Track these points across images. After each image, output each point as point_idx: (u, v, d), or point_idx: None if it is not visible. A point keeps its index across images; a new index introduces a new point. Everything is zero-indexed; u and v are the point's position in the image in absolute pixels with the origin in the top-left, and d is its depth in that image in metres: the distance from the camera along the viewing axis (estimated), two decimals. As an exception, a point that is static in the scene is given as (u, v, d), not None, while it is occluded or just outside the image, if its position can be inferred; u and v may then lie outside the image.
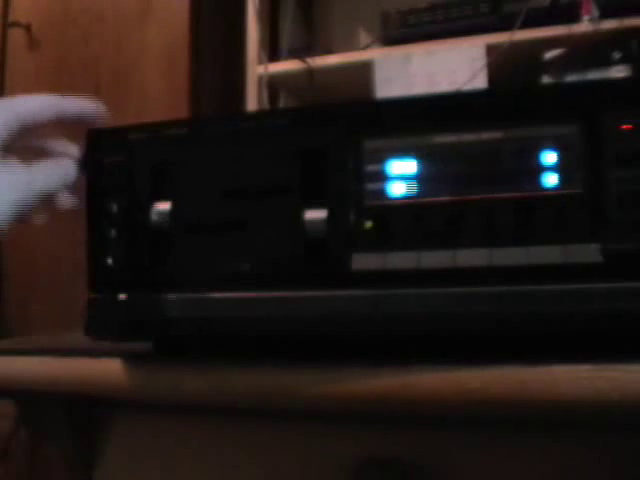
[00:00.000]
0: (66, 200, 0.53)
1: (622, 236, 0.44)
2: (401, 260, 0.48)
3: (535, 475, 0.58)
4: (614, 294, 0.44)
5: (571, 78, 1.19)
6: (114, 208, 0.54)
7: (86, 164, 0.55)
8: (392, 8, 1.39)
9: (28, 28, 1.67)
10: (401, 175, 0.49)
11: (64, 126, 0.52)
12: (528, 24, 1.22)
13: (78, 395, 0.68)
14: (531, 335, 0.47)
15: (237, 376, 0.54)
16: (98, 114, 0.54)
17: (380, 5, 1.47)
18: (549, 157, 0.46)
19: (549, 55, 1.22)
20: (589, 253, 0.45)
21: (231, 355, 0.55)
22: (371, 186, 0.49)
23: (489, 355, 0.47)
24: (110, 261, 0.54)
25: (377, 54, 1.38)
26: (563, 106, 0.47)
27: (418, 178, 0.48)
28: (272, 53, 1.50)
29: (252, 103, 1.44)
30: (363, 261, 0.48)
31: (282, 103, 1.58)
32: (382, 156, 0.49)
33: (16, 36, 1.69)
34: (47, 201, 0.52)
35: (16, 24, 1.67)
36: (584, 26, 1.21)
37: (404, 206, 0.48)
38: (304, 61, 1.41)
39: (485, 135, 0.47)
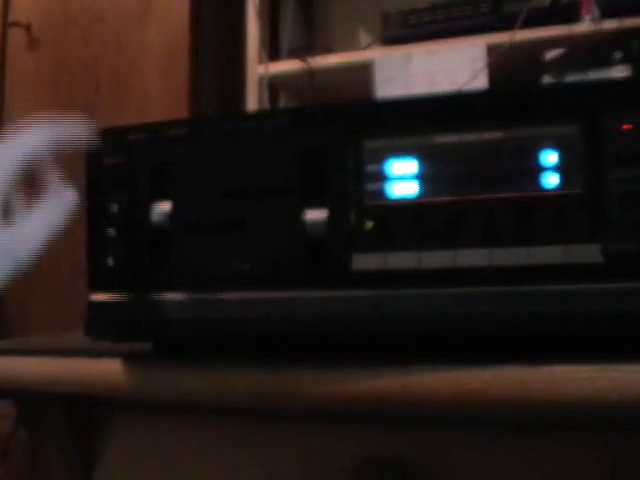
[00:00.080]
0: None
1: (622, 236, 0.44)
2: (401, 260, 0.48)
3: (535, 475, 0.58)
4: (614, 294, 0.44)
5: (571, 78, 1.19)
6: (114, 208, 0.54)
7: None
8: (392, 8, 1.39)
9: (28, 28, 1.67)
10: (401, 175, 0.49)
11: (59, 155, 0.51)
12: (528, 24, 1.21)
13: (78, 395, 0.68)
14: (531, 335, 0.47)
15: (237, 376, 0.54)
16: (91, 137, 0.53)
17: (380, 5, 1.47)
18: (549, 157, 0.46)
19: (549, 55, 1.22)
20: (589, 253, 0.45)
21: (231, 355, 0.55)
22: (371, 186, 0.49)
23: (489, 355, 0.47)
24: (110, 261, 0.54)
25: (377, 54, 1.38)
26: (563, 106, 0.46)
27: (418, 178, 0.48)
28: (272, 53, 1.50)
29: (252, 103, 1.44)
30: (363, 261, 0.48)
31: (282, 103, 1.58)
32: (382, 156, 0.49)
33: (16, 36, 1.69)
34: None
35: (16, 24, 1.67)
36: (585, 26, 1.20)
37: (404, 206, 0.48)
38: (304, 61, 1.41)
39: (485, 135, 0.47)
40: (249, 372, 0.53)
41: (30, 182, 0.48)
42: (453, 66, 1.27)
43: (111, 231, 0.54)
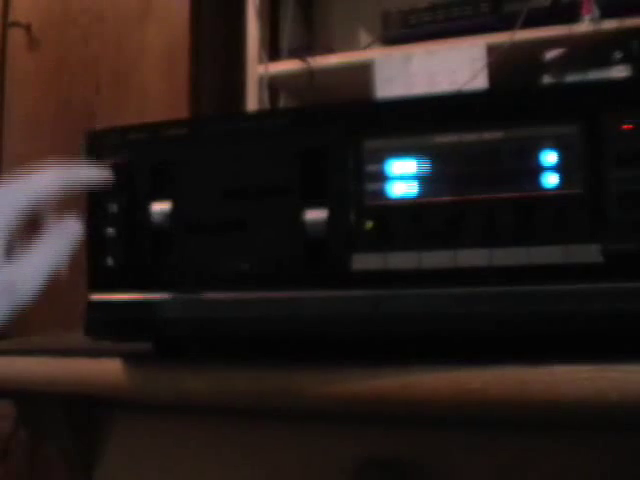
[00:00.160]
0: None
1: (622, 236, 0.44)
2: (401, 260, 0.48)
3: (535, 475, 0.58)
4: (614, 294, 0.44)
5: (571, 78, 1.18)
6: (114, 208, 0.54)
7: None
8: (392, 8, 1.39)
9: (28, 28, 1.67)
10: (401, 175, 0.49)
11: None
12: (529, 24, 1.21)
13: (78, 395, 0.68)
14: (532, 335, 0.47)
15: (237, 376, 0.54)
16: (99, 178, 0.53)
17: (380, 5, 1.47)
18: (549, 157, 0.46)
19: (549, 55, 1.22)
20: (590, 253, 0.45)
21: (231, 355, 0.55)
22: (371, 186, 0.49)
23: (489, 355, 0.47)
24: (110, 261, 0.54)
25: (377, 54, 1.38)
26: (563, 106, 0.46)
27: (418, 178, 0.48)
28: (272, 53, 1.50)
29: (252, 103, 1.44)
30: (363, 261, 0.48)
31: (282, 103, 1.58)
32: (382, 156, 0.49)
33: (16, 36, 1.69)
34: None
35: (16, 24, 1.67)
36: (585, 26, 1.20)
37: (404, 206, 0.48)
38: (304, 61, 1.41)
39: (485, 135, 0.47)
40: (249, 372, 0.53)
41: (33, 224, 0.48)
42: (453, 66, 1.27)
43: (111, 231, 0.54)
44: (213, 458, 0.70)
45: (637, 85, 0.48)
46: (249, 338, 0.54)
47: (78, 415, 0.74)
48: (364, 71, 1.34)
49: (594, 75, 1.17)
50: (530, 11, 1.21)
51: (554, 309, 0.45)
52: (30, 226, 0.48)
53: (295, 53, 1.45)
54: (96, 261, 0.55)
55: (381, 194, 0.49)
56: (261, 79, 1.43)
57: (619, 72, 1.16)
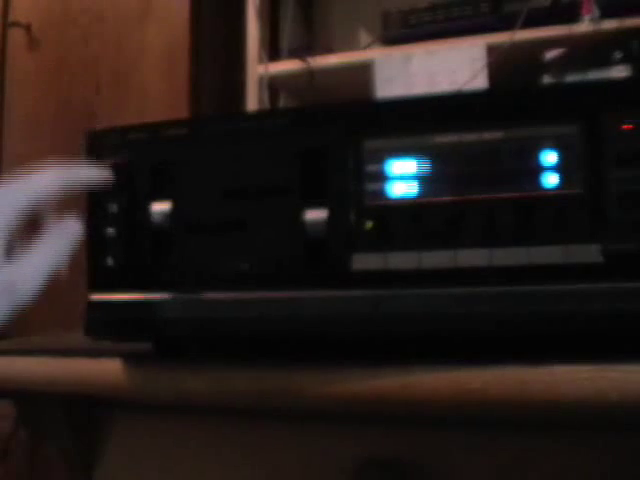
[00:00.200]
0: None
1: (622, 236, 0.44)
2: (402, 260, 0.48)
3: (535, 475, 0.58)
4: (614, 294, 0.44)
5: (571, 78, 1.18)
6: (114, 208, 0.54)
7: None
8: (392, 8, 1.39)
9: (28, 28, 1.67)
10: (401, 175, 0.49)
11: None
12: (529, 24, 1.21)
13: (78, 395, 0.68)
14: (532, 335, 0.47)
15: (237, 376, 0.54)
16: (99, 178, 0.53)
17: (380, 5, 1.47)
18: (549, 157, 0.46)
19: (549, 55, 1.22)
20: (590, 253, 0.45)
21: (231, 355, 0.55)
22: (371, 186, 0.49)
23: (489, 355, 0.47)
24: (110, 261, 0.54)
25: (377, 54, 1.38)
26: (563, 106, 0.46)
27: (418, 178, 0.48)
28: (272, 53, 1.50)
29: (252, 103, 1.44)
30: (363, 261, 0.48)
31: (282, 103, 1.58)
32: (382, 156, 0.49)
33: (16, 36, 1.69)
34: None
35: (16, 24, 1.67)
36: (585, 26, 1.20)
37: (404, 206, 0.48)
38: (304, 61, 1.41)
39: (485, 135, 0.47)
40: (249, 372, 0.53)
41: (33, 224, 0.48)
42: (453, 66, 1.27)
43: (111, 231, 0.54)
44: (213, 458, 0.70)
45: (637, 85, 0.48)
46: (249, 338, 0.54)
47: (78, 415, 0.74)
48: (364, 71, 1.34)
49: (594, 75, 1.17)
50: (530, 11, 1.21)
51: (554, 309, 0.45)
52: (30, 226, 0.48)
53: (295, 53, 1.45)
54: (96, 261, 0.55)
55: (381, 194, 0.49)
56: (261, 79, 1.43)
57: (619, 72, 1.16)
